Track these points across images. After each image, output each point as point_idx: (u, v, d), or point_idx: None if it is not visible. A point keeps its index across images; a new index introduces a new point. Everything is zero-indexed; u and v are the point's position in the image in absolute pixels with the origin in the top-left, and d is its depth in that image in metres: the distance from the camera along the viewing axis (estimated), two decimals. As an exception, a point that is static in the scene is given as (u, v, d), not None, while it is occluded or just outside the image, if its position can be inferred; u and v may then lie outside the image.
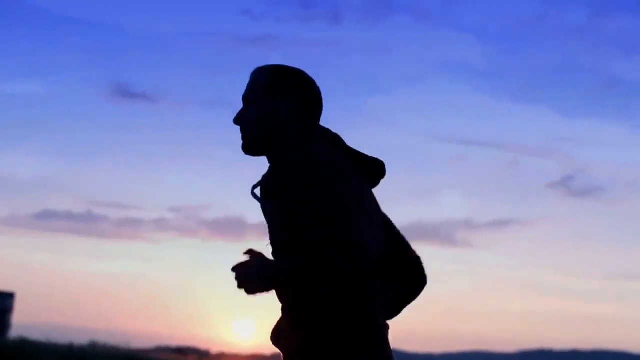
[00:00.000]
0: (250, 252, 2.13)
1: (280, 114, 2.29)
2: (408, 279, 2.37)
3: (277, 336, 2.27)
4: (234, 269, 2.10)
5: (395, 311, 2.37)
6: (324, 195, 2.09)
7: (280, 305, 2.25)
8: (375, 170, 2.33)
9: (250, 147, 2.33)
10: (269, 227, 2.25)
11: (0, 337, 23.57)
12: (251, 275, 2.08)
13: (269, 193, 2.20)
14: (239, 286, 2.09)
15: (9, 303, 31.88)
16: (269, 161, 2.33)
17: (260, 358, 20.28)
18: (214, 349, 24.15)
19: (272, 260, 2.15)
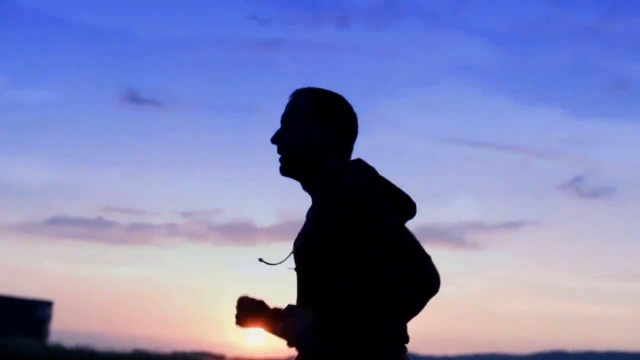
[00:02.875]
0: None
1: (319, 140, 2.32)
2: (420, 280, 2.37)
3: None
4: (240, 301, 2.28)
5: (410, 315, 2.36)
6: (387, 227, 2.13)
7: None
8: (407, 207, 2.31)
9: (289, 170, 2.36)
10: (300, 253, 2.27)
11: (39, 345, 23.76)
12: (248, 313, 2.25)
13: (319, 217, 2.22)
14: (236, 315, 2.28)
15: (47, 311, 32.04)
16: (304, 187, 2.37)
17: None
18: (229, 354, 24.10)
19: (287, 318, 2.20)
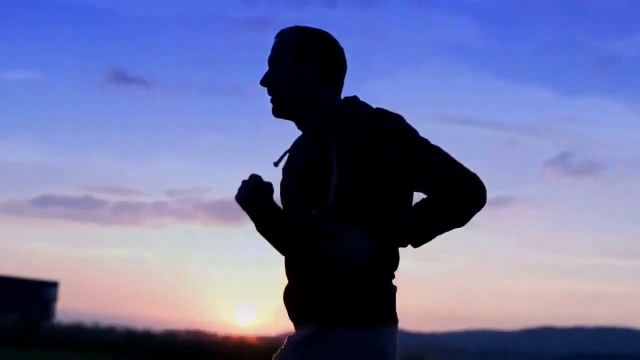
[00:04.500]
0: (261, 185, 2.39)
1: (307, 78, 2.33)
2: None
3: (293, 293, 2.32)
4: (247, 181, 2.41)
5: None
6: (421, 140, 2.25)
7: (296, 264, 2.30)
8: None
9: (281, 111, 2.37)
10: (311, 188, 2.27)
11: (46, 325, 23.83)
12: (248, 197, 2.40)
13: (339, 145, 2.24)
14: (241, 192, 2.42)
15: (52, 292, 32.25)
16: (298, 125, 2.38)
17: (266, 339, 20.24)
18: (220, 332, 24.09)
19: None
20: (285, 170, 2.43)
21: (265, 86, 2.38)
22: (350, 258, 2.18)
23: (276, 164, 2.40)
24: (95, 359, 17.54)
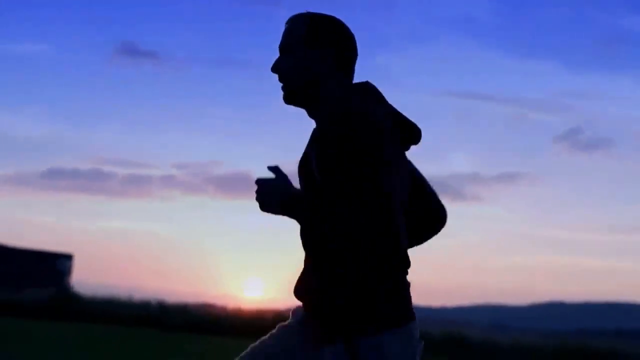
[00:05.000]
0: (276, 169, 2.20)
1: (318, 65, 2.30)
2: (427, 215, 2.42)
3: (301, 290, 2.30)
4: (257, 182, 2.19)
5: (418, 241, 2.45)
6: (360, 151, 2.09)
7: (305, 259, 2.27)
8: (411, 133, 2.31)
9: (291, 98, 2.34)
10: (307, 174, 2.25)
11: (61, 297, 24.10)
12: (271, 194, 2.16)
13: (326, 154, 2.15)
14: (257, 199, 2.19)
15: (67, 264, 32.44)
16: (309, 114, 2.34)
17: (275, 313, 20.43)
18: (230, 305, 24.24)
19: (296, 188, 2.20)
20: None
21: (276, 73, 2.35)
22: (344, 256, 2.14)
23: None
24: (134, 332, 17.78)
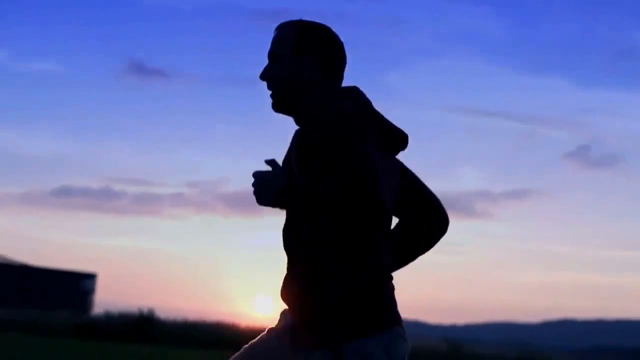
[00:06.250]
0: (272, 163, 2.22)
1: (306, 73, 2.29)
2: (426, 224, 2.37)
3: (285, 294, 2.30)
4: (254, 175, 2.20)
5: (424, 247, 2.40)
6: (348, 155, 2.10)
7: (288, 262, 2.30)
8: (397, 139, 2.30)
9: (280, 105, 2.33)
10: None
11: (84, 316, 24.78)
12: (268, 187, 2.16)
13: (307, 157, 2.20)
14: (254, 193, 2.19)
15: (90, 284, 32.39)
16: (296, 121, 2.33)
17: None
18: (241, 324, 24.75)
19: (292, 179, 2.19)
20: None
21: (264, 80, 2.33)
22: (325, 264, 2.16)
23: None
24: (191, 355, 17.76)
